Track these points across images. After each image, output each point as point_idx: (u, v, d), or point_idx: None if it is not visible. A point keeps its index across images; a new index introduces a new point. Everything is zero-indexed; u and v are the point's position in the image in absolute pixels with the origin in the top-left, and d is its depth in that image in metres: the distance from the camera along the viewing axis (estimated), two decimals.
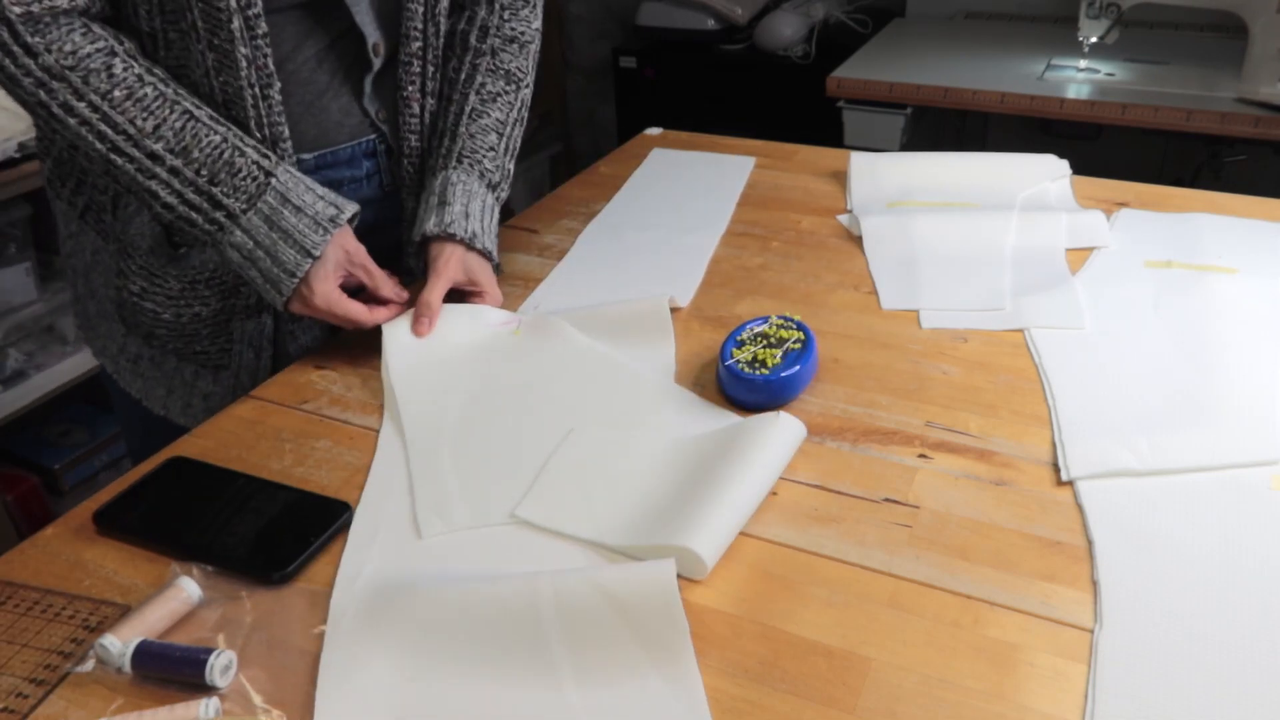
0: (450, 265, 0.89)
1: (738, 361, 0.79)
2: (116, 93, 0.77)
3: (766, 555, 0.65)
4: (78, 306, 1.00)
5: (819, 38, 2.33)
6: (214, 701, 0.55)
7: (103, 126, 0.77)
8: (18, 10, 0.73)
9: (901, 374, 0.83)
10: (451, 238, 0.89)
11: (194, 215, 0.80)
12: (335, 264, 0.84)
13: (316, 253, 0.81)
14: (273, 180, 0.81)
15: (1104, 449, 0.72)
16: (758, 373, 0.78)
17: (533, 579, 0.60)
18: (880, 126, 1.89)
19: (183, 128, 0.79)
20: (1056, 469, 0.72)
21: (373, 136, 0.94)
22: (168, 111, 0.78)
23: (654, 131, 1.40)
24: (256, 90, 0.82)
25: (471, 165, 0.93)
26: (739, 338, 0.82)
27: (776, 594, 0.62)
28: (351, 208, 0.84)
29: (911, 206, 1.10)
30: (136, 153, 0.78)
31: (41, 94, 0.76)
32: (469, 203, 0.91)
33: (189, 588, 0.62)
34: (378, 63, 0.90)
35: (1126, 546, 0.64)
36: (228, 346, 0.93)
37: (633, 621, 0.57)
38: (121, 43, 0.78)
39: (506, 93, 0.97)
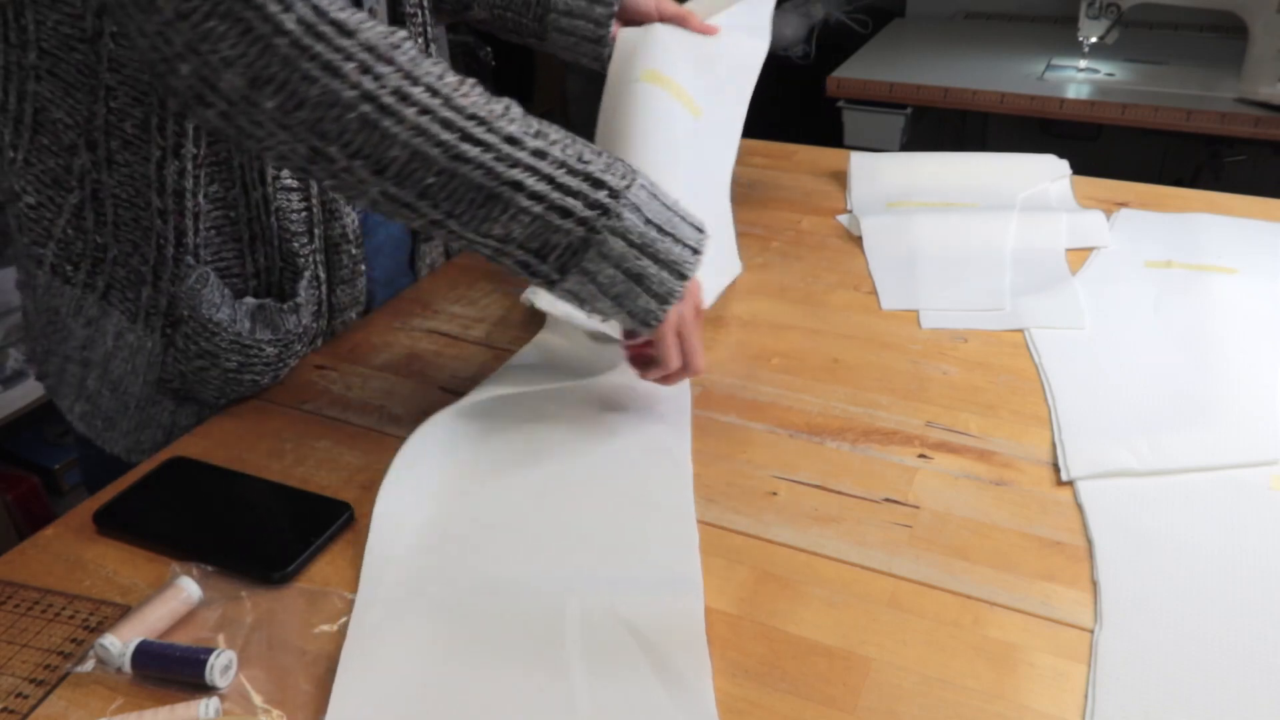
0: None
1: None
2: (450, 76, 0.62)
3: (766, 555, 0.65)
4: (82, 409, 0.85)
5: (819, 38, 2.33)
6: (214, 701, 0.55)
7: (448, 113, 0.61)
8: None
9: (901, 374, 0.83)
10: None
11: (570, 202, 0.64)
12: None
13: (703, 248, 0.69)
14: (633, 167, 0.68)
15: (1104, 449, 0.72)
16: None
17: (560, 597, 0.61)
18: (880, 126, 1.89)
19: (525, 114, 0.65)
20: (1056, 469, 0.72)
21: None
22: (502, 102, 0.65)
23: None
24: None
25: None
26: None
27: (776, 594, 0.62)
28: None
29: (911, 206, 1.10)
30: (494, 138, 0.62)
31: (367, 82, 0.59)
32: None
33: (189, 588, 0.62)
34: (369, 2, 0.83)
35: (1126, 546, 0.64)
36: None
37: (655, 656, 0.58)
38: None
39: None
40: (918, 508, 0.69)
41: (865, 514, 0.68)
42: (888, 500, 0.69)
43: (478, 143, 0.62)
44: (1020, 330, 0.88)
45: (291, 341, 0.84)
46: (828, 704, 0.55)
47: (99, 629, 0.61)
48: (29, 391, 1.65)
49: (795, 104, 2.28)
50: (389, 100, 0.59)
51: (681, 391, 0.81)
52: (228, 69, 0.58)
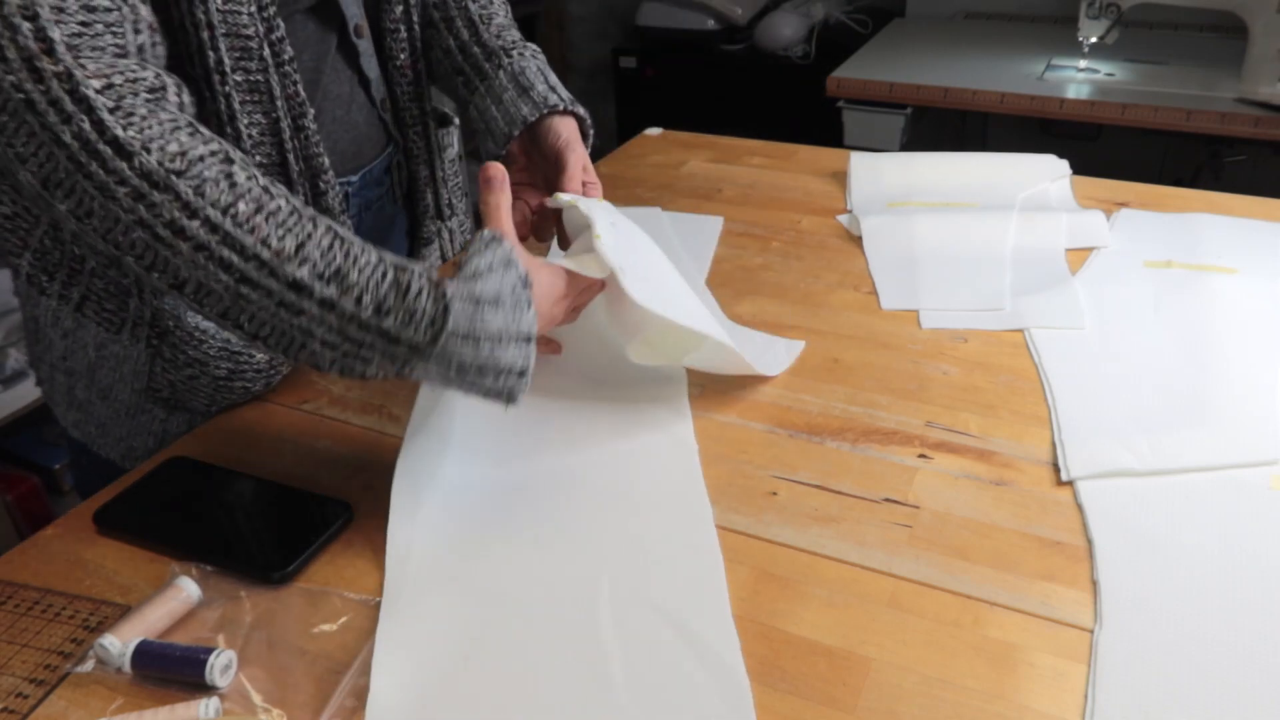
0: (574, 141, 0.82)
1: None
2: (241, 206, 0.58)
3: (766, 555, 0.65)
4: (74, 416, 0.85)
5: (819, 38, 2.33)
6: (214, 701, 0.55)
7: (226, 252, 0.58)
8: (96, 85, 0.57)
9: (901, 374, 0.83)
10: (556, 109, 0.83)
11: (365, 353, 0.60)
12: (555, 306, 0.70)
13: (534, 330, 0.65)
14: (448, 287, 0.61)
15: (1104, 449, 0.72)
16: None
17: (589, 578, 0.63)
18: (880, 126, 1.89)
19: (331, 246, 0.59)
20: (1056, 469, 0.72)
21: (390, 148, 0.92)
22: (310, 227, 0.60)
23: (654, 132, 1.40)
24: (290, 122, 0.76)
25: (520, 53, 0.89)
26: None
27: (776, 594, 0.62)
28: (508, 241, 0.67)
29: (911, 206, 1.10)
30: (275, 284, 0.58)
31: (141, 209, 0.57)
32: (547, 77, 0.87)
33: (189, 587, 0.62)
34: (362, 45, 0.84)
35: (1126, 546, 0.64)
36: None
37: (687, 636, 0.59)
38: (234, 149, 0.62)
39: None
40: (918, 508, 0.69)
41: (865, 514, 0.68)
42: (888, 500, 0.69)
43: (257, 287, 0.58)
44: (1020, 330, 0.88)
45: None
46: (828, 704, 0.55)
47: (99, 629, 0.61)
48: (29, 391, 1.65)
49: (795, 104, 2.28)
50: (163, 232, 0.57)
51: (675, 375, 0.82)
52: (22, 165, 0.58)
